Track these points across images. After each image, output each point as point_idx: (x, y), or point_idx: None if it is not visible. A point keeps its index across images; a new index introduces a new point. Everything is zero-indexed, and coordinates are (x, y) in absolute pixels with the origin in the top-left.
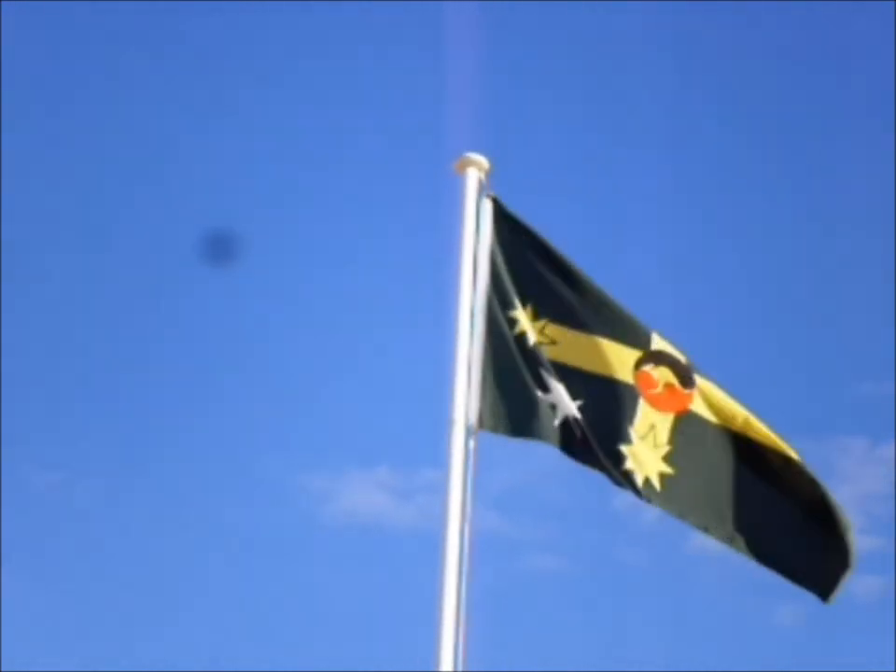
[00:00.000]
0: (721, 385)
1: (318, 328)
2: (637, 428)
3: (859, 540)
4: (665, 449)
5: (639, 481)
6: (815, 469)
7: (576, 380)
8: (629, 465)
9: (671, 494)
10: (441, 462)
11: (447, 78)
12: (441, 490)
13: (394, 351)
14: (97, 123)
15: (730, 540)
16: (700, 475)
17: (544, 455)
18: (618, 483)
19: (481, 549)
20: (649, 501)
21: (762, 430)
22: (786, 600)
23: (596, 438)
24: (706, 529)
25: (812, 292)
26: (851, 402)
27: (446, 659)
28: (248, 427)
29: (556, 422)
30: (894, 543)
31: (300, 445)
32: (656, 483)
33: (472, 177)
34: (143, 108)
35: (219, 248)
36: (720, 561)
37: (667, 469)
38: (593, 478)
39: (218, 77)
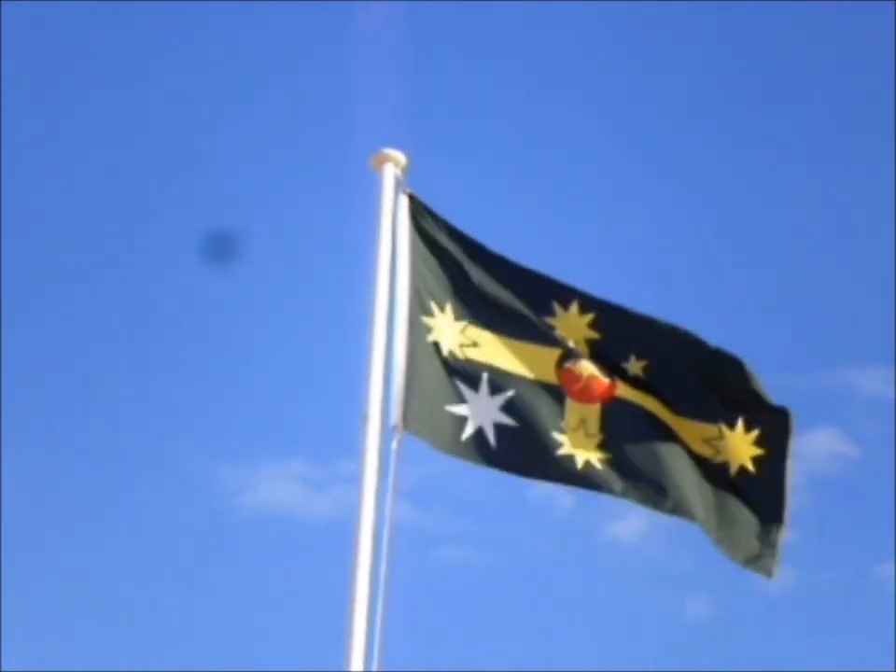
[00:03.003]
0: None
1: (237, 321)
2: (567, 423)
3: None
4: (598, 438)
5: (580, 463)
6: None
7: (502, 378)
8: (567, 450)
9: (612, 473)
10: (357, 455)
11: (364, 74)
12: (357, 482)
13: (312, 345)
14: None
15: (673, 511)
16: (635, 455)
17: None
18: (546, 477)
19: (395, 541)
20: (587, 485)
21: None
22: (697, 592)
23: (530, 426)
24: (651, 504)
25: (726, 284)
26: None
27: (357, 651)
28: (160, 417)
29: (465, 434)
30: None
31: (213, 435)
32: (597, 464)
33: (389, 174)
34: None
35: (217, 248)
36: (632, 552)
37: (604, 455)
38: None
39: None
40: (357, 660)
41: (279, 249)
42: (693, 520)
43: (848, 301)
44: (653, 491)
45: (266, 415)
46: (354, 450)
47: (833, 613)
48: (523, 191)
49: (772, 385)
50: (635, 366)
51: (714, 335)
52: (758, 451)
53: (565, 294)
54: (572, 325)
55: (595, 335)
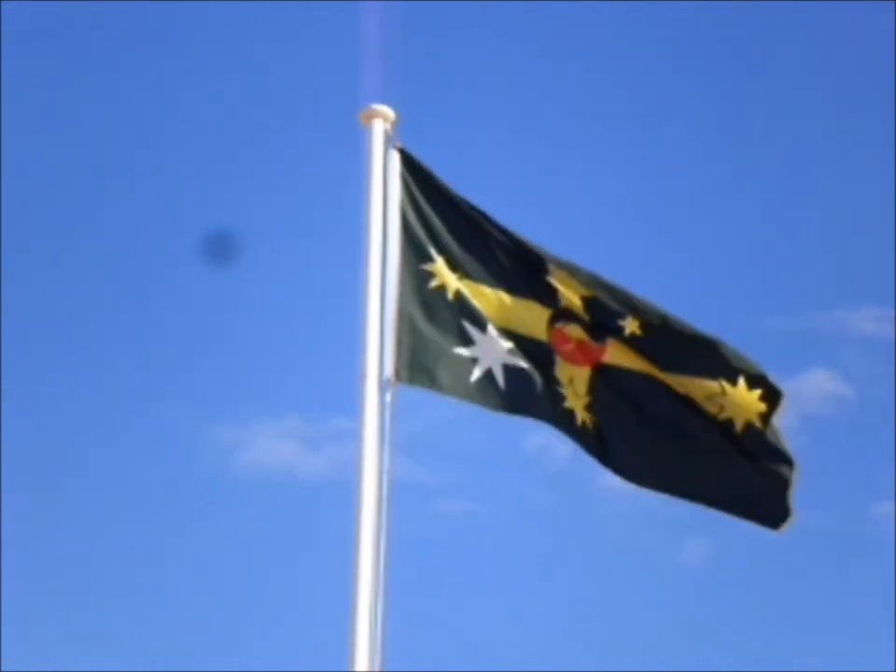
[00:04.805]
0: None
1: (225, 278)
2: (559, 380)
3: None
4: (586, 399)
5: (578, 420)
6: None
7: (500, 331)
8: (569, 404)
9: (599, 438)
10: (352, 412)
11: (357, 31)
12: (352, 439)
13: (303, 301)
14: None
15: (652, 486)
16: (620, 424)
17: (453, 400)
18: (554, 422)
19: (394, 496)
20: (582, 443)
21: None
22: (695, 537)
23: (540, 372)
24: (632, 478)
25: (720, 227)
26: (757, 337)
27: (363, 610)
28: (149, 376)
29: (474, 376)
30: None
31: (204, 394)
32: (589, 425)
33: (378, 129)
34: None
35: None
36: (629, 499)
37: (591, 417)
38: (502, 421)
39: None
40: (363, 619)
41: (269, 206)
42: (676, 495)
43: (840, 240)
44: (634, 464)
45: (257, 372)
46: (347, 406)
47: (832, 554)
48: (511, 146)
49: (766, 327)
50: (631, 324)
51: (706, 278)
52: (763, 407)
53: (557, 261)
54: (566, 282)
55: (590, 292)
